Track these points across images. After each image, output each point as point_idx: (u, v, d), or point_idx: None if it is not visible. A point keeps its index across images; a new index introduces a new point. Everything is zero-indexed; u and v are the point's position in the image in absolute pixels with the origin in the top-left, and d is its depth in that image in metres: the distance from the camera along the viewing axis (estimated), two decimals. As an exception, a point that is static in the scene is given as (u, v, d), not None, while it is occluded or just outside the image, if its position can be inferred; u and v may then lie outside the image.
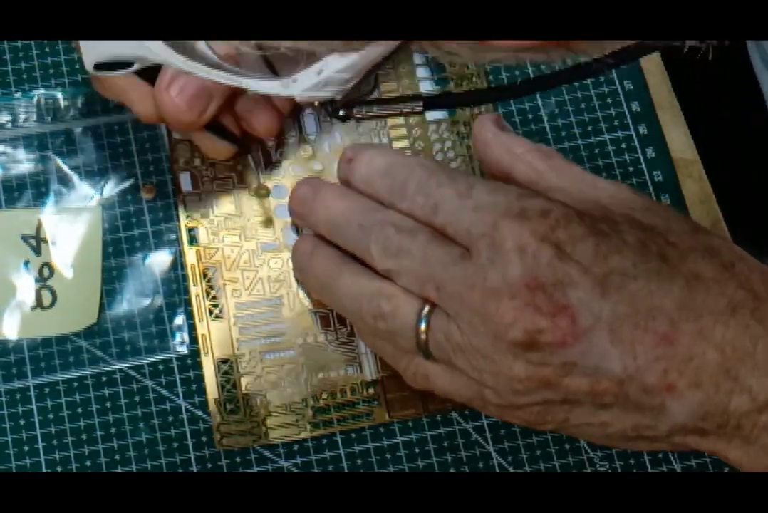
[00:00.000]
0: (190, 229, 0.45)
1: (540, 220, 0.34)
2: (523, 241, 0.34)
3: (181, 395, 0.44)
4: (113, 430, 0.43)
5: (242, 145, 0.45)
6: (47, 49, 0.48)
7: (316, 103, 0.36)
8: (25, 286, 0.45)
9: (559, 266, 0.34)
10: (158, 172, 0.46)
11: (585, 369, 0.34)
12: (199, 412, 0.43)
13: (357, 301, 0.38)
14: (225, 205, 0.46)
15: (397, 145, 0.46)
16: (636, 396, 0.34)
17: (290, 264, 0.44)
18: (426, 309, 0.36)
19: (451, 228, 0.36)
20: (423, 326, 0.36)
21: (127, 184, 0.46)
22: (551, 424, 0.36)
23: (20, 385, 0.44)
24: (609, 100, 0.47)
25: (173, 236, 0.45)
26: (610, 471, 0.43)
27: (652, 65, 0.48)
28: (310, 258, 0.40)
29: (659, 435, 0.35)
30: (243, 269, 0.45)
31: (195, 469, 0.43)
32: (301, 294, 0.44)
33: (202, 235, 0.45)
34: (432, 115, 0.47)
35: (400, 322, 0.36)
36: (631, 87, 0.48)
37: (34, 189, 0.46)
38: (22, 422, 0.43)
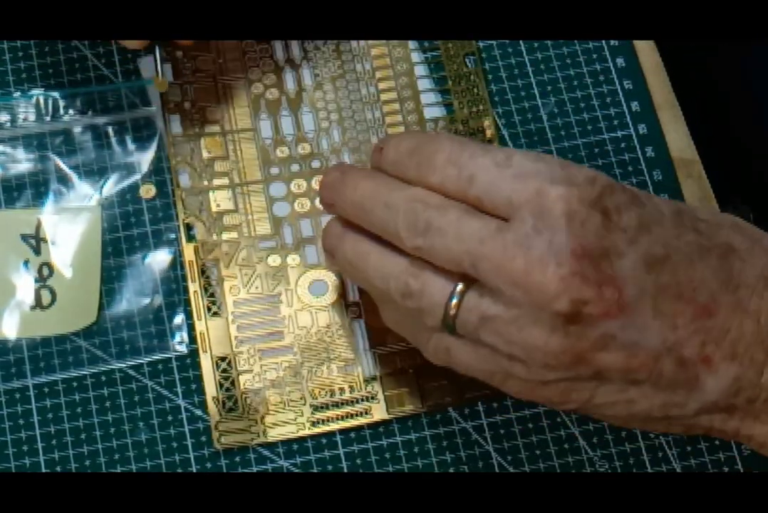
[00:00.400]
0: (188, 226, 0.45)
1: (587, 186, 0.33)
2: (573, 208, 0.33)
3: (180, 395, 0.44)
4: (112, 430, 0.43)
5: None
6: (47, 49, 0.48)
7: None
8: (25, 286, 0.45)
9: (606, 235, 0.33)
10: (157, 172, 0.46)
11: (623, 343, 0.33)
12: (199, 412, 0.43)
13: (385, 280, 0.36)
14: (223, 202, 0.46)
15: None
16: (671, 371, 0.33)
17: (289, 261, 0.44)
18: (459, 287, 0.35)
19: (488, 198, 0.34)
20: (454, 302, 0.35)
21: (126, 183, 0.46)
22: (573, 403, 0.35)
23: (19, 385, 0.44)
24: (609, 100, 0.47)
25: (172, 236, 0.45)
26: (609, 471, 0.43)
27: (652, 65, 0.48)
28: (340, 240, 0.38)
29: (686, 414, 0.34)
30: (241, 266, 0.45)
31: (194, 469, 0.43)
32: (302, 292, 0.44)
33: (200, 231, 0.45)
34: (430, 114, 0.47)
35: (428, 301, 0.35)
36: (631, 87, 0.48)
37: (34, 189, 0.46)
38: (21, 422, 0.43)
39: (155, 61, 0.46)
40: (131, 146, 0.47)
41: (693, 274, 0.34)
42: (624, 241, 0.33)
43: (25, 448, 0.43)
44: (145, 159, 0.47)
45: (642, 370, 0.33)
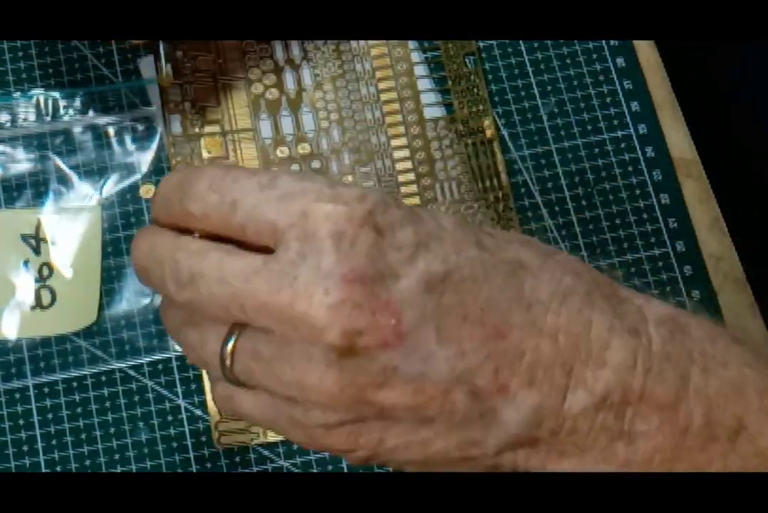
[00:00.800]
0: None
1: (356, 204, 0.30)
2: (340, 227, 0.29)
3: (180, 395, 0.44)
4: (112, 430, 0.43)
5: None
6: (47, 49, 0.48)
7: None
8: (25, 286, 0.45)
9: (379, 256, 0.30)
10: (157, 172, 0.46)
11: (407, 375, 0.30)
12: (199, 412, 0.43)
13: (174, 333, 0.34)
14: None
15: (394, 143, 0.47)
16: (464, 404, 0.30)
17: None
18: (233, 333, 0.31)
19: (252, 225, 0.31)
20: (228, 350, 0.31)
21: (126, 183, 0.46)
22: (364, 450, 0.31)
23: (19, 385, 0.44)
24: (608, 100, 0.47)
25: (173, 236, 0.45)
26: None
27: (652, 65, 0.48)
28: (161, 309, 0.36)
29: (487, 453, 0.31)
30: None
31: (194, 469, 0.43)
32: None
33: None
34: (429, 114, 0.47)
35: (206, 351, 0.32)
36: (631, 87, 0.48)
37: (34, 189, 0.46)
38: (21, 422, 0.43)
39: (160, 56, 0.46)
40: (131, 146, 0.47)
41: (479, 293, 0.30)
42: (399, 262, 0.30)
43: (25, 448, 0.43)
44: (145, 159, 0.47)
45: (431, 405, 0.30)
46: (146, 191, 0.46)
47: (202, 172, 0.32)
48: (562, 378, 0.30)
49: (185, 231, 0.33)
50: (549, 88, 0.48)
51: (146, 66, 0.47)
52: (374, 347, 0.29)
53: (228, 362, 0.32)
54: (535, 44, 0.48)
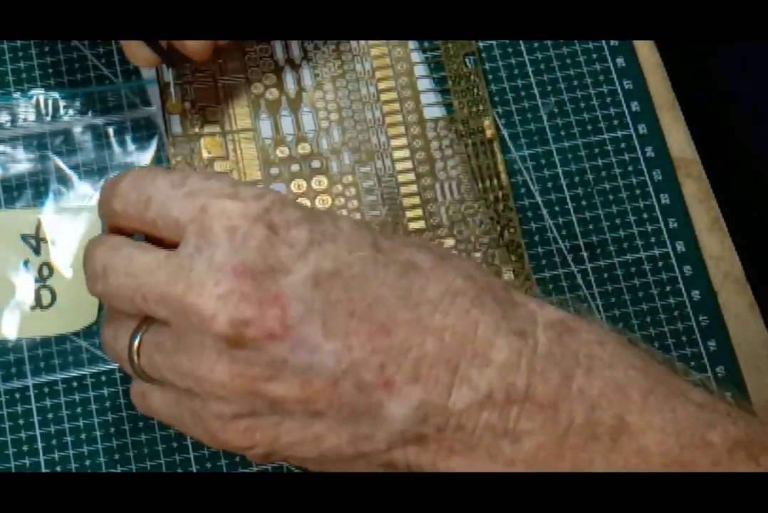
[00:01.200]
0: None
1: (253, 201, 0.32)
2: (233, 222, 0.31)
3: (180, 395, 0.44)
4: (112, 430, 0.43)
5: (167, 58, 0.43)
6: (46, 49, 0.48)
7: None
8: (25, 286, 0.45)
9: (270, 251, 0.31)
10: (157, 172, 0.46)
11: (295, 367, 0.31)
12: (199, 412, 0.43)
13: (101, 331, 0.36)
14: None
15: (394, 143, 0.47)
16: (351, 397, 0.31)
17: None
18: (141, 328, 0.33)
19: (162, 220, 0.33)
20: (135, 344, 0.33)
21: (126, 183, 0.46)
22: (262, 447, 0.32)
23: (19, 385, 0.44)
24: (608, 100, 0.47)
25: (172, 236, 0.45)
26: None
27: (652, 65, 0.48)
28: None
29: (378, 448, 0.32)
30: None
31: (194, 469, 0.43)
32: None
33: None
34: (429, 114, 0.47)
35: (118, 346, 0.34)
36: (631, 87, 0.48)
37: (34, 189, 0.46)
38: (21, 422, 0.43)
39: (170, 83, 0.46)
40: (131, 146, 0.47)
41: (367, 291, 0.31)
42: (291, 257, 0.31)
43: (25, 448, 0.43)
44: (144, 159, 0.47)
45: (320, 398, 0.31)
46: (146, 191, 0.46)
47: (128, 172, 0.35)
48: (447, 375, 0.31)
49: (125, 232, 0.35)
50: (549, 88, 0.48)
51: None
52: (262, 338, 0.30)
53: (135, 357, 0.33)
54: (535, 44, 0.48)
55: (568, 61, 0.48)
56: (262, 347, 0.31)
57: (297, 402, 0.31)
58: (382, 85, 0.47)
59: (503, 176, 0.46)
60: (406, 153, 0.47)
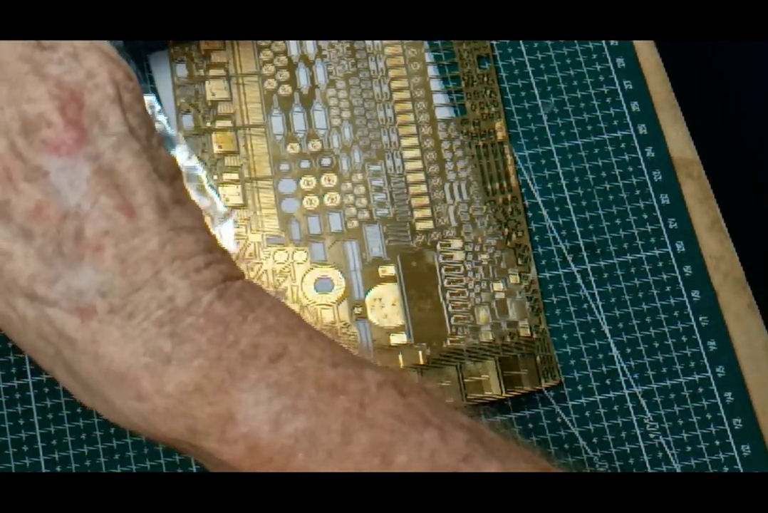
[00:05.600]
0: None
1: None
2: None
3: (180, 395, 0.44)
4: (112, 430, 0.43)
5: None
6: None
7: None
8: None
9: None
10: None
11: (48, 185, 0.32)
12: (199, 412, 0.43)
13: None
14: (233, 197, 0.46)
15: (405, 142, 0.47)
16: (65, 238, 0.32)
17: (296, 258, 0.45)
18: None
19: None
20: None
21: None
22: None
23: (19, 385, 0.44)
24: (609, 100, 0.47)
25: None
26: (609, 471, 0.42)
27: (652, 65, 0.48)
28: None
29: (49, 297, 0.32)
30: (248, 262, 0.45)
31: (194, 469, 0.43)
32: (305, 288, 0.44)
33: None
34: (441, 114, 0.47)
35: None
36: (631, 87, 0.48)
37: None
38: (21, 422, 0.43)
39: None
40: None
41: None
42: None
43: (25, 448, 0.43)
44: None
45: (44, 222, 0.32)
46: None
47: None
48: (148, 270, 0.33)
49: None
50: (549, 88, 0.48)
51: (157, 62, 0.47)
52: (50, 145, 0.32)
53: None
54: (535, 44, 0.48)
55: (568, 61, 0.48)
56: (42, 150, 0.32)
57: (24, 212, 0.32)
58: (394, 85, 0.48)
59: (512, 178, 0.46)
60: (416, 153, 0.47)
